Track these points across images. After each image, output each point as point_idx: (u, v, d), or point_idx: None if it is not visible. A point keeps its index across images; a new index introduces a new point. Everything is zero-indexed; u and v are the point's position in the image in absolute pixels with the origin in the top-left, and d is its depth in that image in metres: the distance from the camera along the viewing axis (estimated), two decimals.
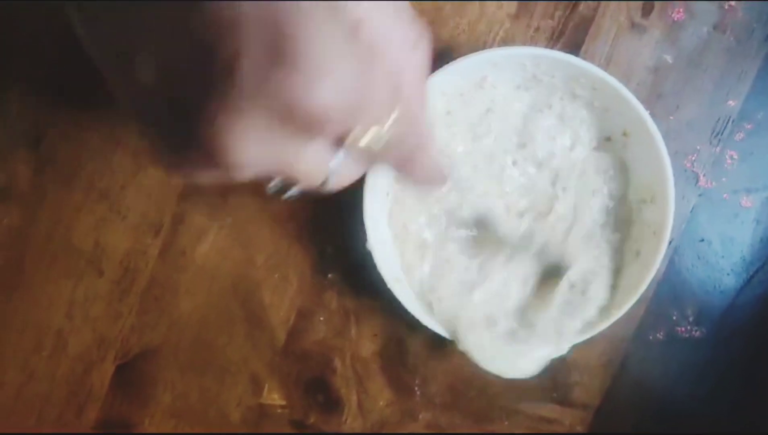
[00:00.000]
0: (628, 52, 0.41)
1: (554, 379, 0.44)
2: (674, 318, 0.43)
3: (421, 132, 0.28)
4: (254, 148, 0.22)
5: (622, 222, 0.40)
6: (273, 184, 0.27)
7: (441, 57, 0.37)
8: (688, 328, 0.43)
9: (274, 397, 0.45)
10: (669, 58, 0.41)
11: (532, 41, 0.41)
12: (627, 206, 0.40)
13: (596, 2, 0.41)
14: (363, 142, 0.25)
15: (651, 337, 0.43)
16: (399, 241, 0.41)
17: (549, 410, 0.44)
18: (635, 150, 0.38)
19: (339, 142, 0.25)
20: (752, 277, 0.42)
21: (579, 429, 0.44)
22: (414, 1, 0.41)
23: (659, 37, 0.41)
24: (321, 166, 0.25)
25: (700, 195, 0.42)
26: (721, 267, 0.42)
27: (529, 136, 0.40)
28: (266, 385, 0.45)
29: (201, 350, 0.45)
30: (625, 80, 0.40)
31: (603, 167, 0.40)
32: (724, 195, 0.42)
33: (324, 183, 0.26)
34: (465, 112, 0.40)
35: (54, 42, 0.42)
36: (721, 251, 0.42)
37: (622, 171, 0.40)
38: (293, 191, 0.27)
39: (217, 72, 0.21)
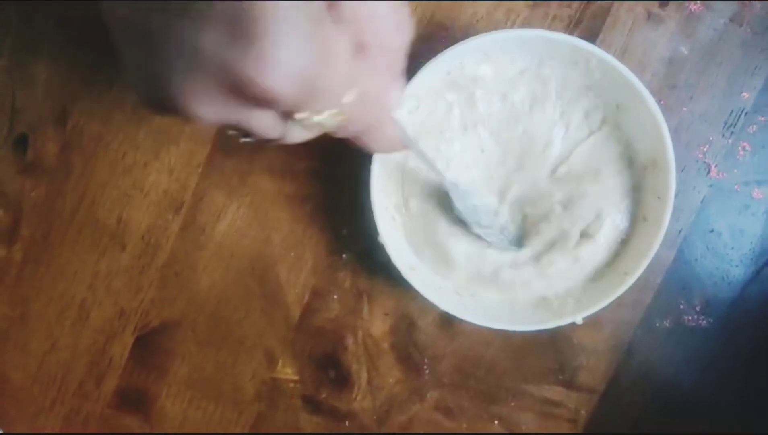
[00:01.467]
0: (644, 42, 0.41)
1: (561, 361, 0.44)
2: (681, 307, 0.43)
3: (381, 111, 0.29)
4: (208, 107, 0.24)
5: (631, 189, 0.41)
6: (232, 131, 0.28)
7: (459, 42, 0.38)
8: (695, 317, 0.43)
9: (287, 372, 0.46)
10: (684, 50, 0.41)
11: (550, 29, 0.41)
12: (634, 173, 0.40)
13: None
14: (314, 120, 0.26)
15: (658, 324, 0.44)
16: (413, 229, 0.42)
17: (555, 392, 0.45)
18: (631, 119, 0.39)
19: (290, 115, 0.26)
20: (761, 269, 0.43)
21: (583, 412, 0.45)
22: None
23: (675, 29, 0.41)
24: (275, 128, 0.27)
25: (711, 186, 0.42)
26: (730, 258, 0.43)
27: (526, 121, 0.41)
28: (280, 361, 0.46)
29: (218, 325, 0.46)
30: (640, 71, 0.41)
31: (604, 139, 0.40)
32: (736, 186, 0.42)
33: (280, 138, 0.28)
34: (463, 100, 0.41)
35: (81, 23, 0.43)
36: (730, 242, 0.43)
37: (623, 140, 0.40)
38: (248, 140, 0.28)
39: (181, 40, 0.23)
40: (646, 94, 0.37)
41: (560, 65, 0.39)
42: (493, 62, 0.39)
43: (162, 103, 0.25)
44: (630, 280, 0.38)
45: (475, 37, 0.37)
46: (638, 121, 0.38)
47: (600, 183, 0.40)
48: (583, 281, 0.41)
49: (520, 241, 0.41)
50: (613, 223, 0.41)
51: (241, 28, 0.22)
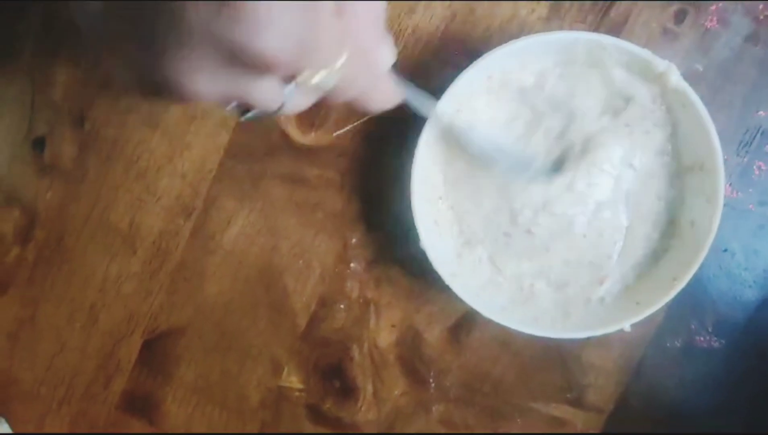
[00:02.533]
0: None
1: (569, 379, 0.44)
2: (693, 327, 0.43)
3: (374, 71, 0.29)
4: (206, 82, 0.24)
5: (675, 192, 0.40)
6: (230, 108, 0.28)
7: (473, 56, 0.38)
8: (707, 338, 0.43)
9: (292, 381, 0.46)
10: (700, 67, 0.41)
11: None
12: (679, 178, 0.40)
13: (629, 6, 0.41)
14: (312, 82, 0.26)
15: (668, 344, 0.43)
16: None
17: (562, 411, 0.44)
18: (680, 120, 0.39)
19: (289, 78, 0.26)
20: None
21: (591, 432, 0.44)
22: (447, 2, 0.42)
23: (690, 46, 0.41)
24: (274, 97, 0.26)
25: (725, 205, 0.41)
26: (743, 279, 0.42)
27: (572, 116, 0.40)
28: (285, 369, 0.46)
29: (225, 332, 0.46)
30: None
31: (652, 142, 0.40)
32: (750, 206, 0.42)
33: (279, 109, 0.27)
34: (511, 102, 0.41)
35: None
36: (744, 263, 0.42)
37: (672, 143, 0.40)
38: (249, 115, 0.28)
39: (166, 17, 0.22)
40: (695, 98, 0.37)
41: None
42: (531, 67, 0.40)
43: (158, 84, 0.24)
44: (678, 287, 0.38)
45: (521, 39, 0.37)
46: (686, 122, 0.38)
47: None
48: (626, 286, 0.41)
49: (557, 166, 0.40)
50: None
51: None
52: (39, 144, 0.46)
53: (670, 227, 0.40)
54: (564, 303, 0.41)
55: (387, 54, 0.29)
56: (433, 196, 0.41)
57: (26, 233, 0.47)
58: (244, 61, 0.23)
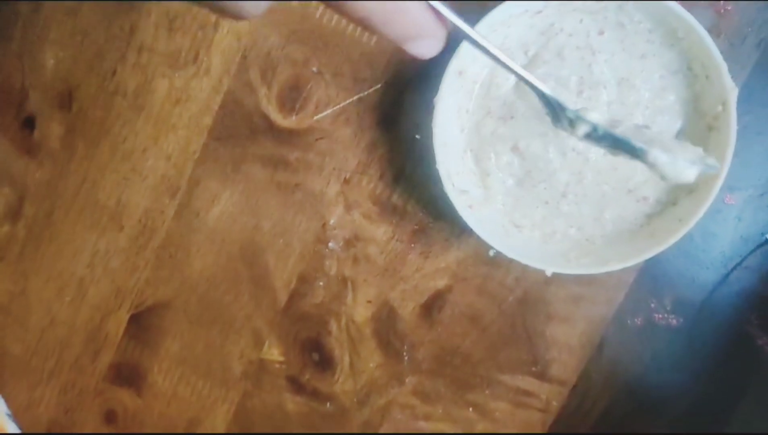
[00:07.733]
0: None
1: (534, 354, 0.46)
2: (652, 305, 0.45)
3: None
4: None
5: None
6: None
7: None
8: (666, 316, 0.45)
9: (273, 353, 0.48)
10: None
11: None
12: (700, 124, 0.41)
13: None
14: None
15: (629, 322, 0.45)
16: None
17: (528, 383, 0.47)
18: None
19: None
20: (730, 272, 0.44)
21: (554, 403, 0.47)
22: None
23: None
24: None
25: None
26: (701, 260, 0.44)
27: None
28: (267, 342, 0.48)
29: (208, 306, 0.48)
30: None
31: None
32: None
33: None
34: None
35: (87, 13, 0.45)
36: (702, 245, 0.44)
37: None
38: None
39: None
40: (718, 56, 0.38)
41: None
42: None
43: None
44: (684, 229, 0.39)
45: None
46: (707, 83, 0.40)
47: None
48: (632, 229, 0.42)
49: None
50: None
51: None
52: (28, 124, 0.47)
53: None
54: (612, 238, 0.42)
55: None
56: (454, 137, 0.42)
57: (16, 210, 0.48)
58: None
